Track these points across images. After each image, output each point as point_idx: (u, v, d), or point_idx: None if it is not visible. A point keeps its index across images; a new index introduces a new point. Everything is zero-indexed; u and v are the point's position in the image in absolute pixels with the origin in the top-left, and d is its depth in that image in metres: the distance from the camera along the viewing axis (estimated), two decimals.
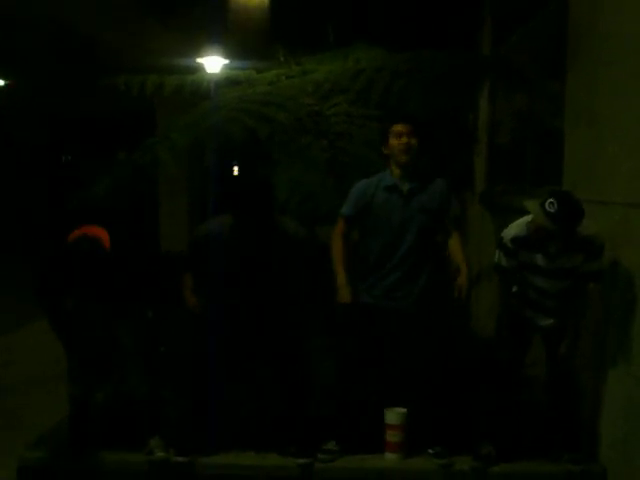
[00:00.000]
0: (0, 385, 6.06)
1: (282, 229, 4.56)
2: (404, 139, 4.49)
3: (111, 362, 4.68)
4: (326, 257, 4.59)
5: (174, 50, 9.07)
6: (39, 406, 5.48)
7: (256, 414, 4.92)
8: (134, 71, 5.85)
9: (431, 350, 4.53)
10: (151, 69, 6.00)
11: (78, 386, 4.57)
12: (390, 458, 4.55)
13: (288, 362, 4.59)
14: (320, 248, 4.70)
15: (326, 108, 5.36)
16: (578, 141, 5.08)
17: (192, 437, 4.57)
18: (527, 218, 4.34)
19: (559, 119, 5.54)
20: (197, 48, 9.14)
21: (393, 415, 4.53)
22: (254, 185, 4.53)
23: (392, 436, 4.54)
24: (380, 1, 8.13)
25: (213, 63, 9.29)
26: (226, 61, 9.25)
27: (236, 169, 8.31)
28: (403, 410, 4.54)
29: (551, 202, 4.12)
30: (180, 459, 4.50)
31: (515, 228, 4.42)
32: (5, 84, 14.19)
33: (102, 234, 4.51)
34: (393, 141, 4.52)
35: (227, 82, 5.97)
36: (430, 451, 4.55)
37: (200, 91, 5.82)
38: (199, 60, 9.31)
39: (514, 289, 4.53)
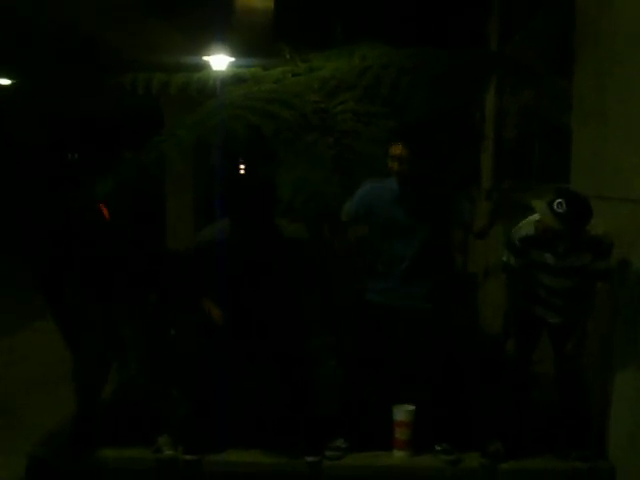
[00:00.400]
0: (1, 386, 6.06)
1: (282, 232, 4.57)
2: (396, 164, 4.47)
3: (116, 357, 4.70)
4: (328, 255, 4.59)
5: (180, 48, 9.07)
6: (40, 406, 5.48)
7: (264, 412, 4.92)
8: (140, 69, 5.84)
9: (439, 348, 4.52)
10: (157, 67, 5.99)
11: (84, 384, 4.57)
12: (398, 455, 4.55)
13: (294, 360, 4.59)
14: (323, 247, 4.70)
15: (332, 105, 5.34)
16: (585, 137, 5.06)
17: (200, 435, 4.57)
18: (535, 217, 4.33)
19: (566, 115, 5.52)
20: (203, 46, 9.13)
21: (401, 412, 4.53)
22: (253, 189, 4.53)
23: (400, 433, 4.54)
24: None
25: (219, 61, 9.28)
26: (232, 59, 9.24)
27: (242, 167, 8.31)
28: (411, 407, 4.53)
29: (559, 202, 4.11)
30: (189, 457, 4.50)
31: (524, 227, 4.41)
32: (11, 84, 14.22)
33: (101, 207, 4.57)
34: (390, 163, 4.51)
35: (233, 80, 5.95)
36: (438, 448, 4.55)
37: (206, 89, 5.80)
38: (205, 58, 9.31)
39: (522, 287, 4.52)
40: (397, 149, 4.46)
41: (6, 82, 14.48)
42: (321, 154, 5.24)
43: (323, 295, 5.77)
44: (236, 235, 4.52)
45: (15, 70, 13.15)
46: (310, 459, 4.49)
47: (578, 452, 4.49)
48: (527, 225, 4.41)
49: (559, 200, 4.11)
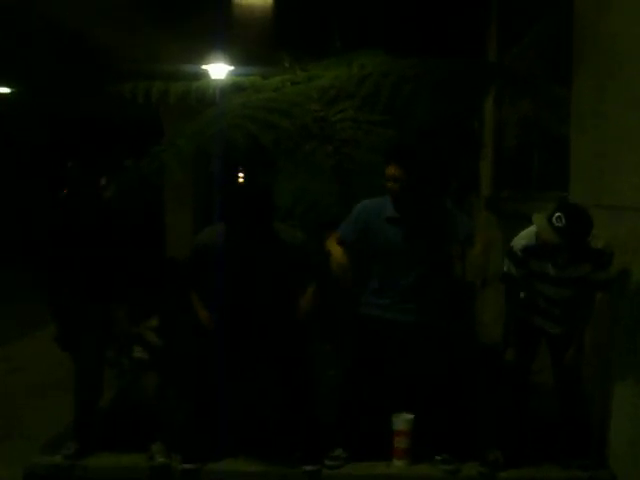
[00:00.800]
0: (2, 393, 6.05)
1: (279, 236, 4.57)
2: (391, 184, 4.46)
3: (115, 364, 4.70)
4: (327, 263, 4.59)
5: (179, 57, 9.08)
6: (39, 415, 5.47)
7: (263, 421, 4.91)
8: (139, 78, 5.85)
9: (438, 357, 4.51)
10: (156, 76, 6.00)
11: (85, 391, 4.57)
12: (397, 464, 4.54)
13: (293, 368, 4.59)
14: (322, 254, 4.69)
15: (332, 114, 5.35)
16: (584, 146, 5.07)
17: (198, 444, 4.56)
18: (535, 225, 4.33)
19: (565, 124, 5.53)
20: (202, 55, 9.15)
21: (400, 421, 4.52)
22: (249, 192, 4.54)
23: (399, 442, 4.53)
24: (386, 7, 8.13)
25: (218, 70, 9.30)
26: (231, 67, 9.26)
27: (241, 175, 8.32)
28: (410, 416, 4.52)
29: (559, 216, 4.11)
30: (187, 466, 4.49)
31: (525, 237, 4.41)
32: (11, 92, 14.24)
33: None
34: (386, 182, 4.50)
35: (232, 88, 5.97)
36: (437, 457, 4.54)
37: (205, 98, 5.81)
38: (204, 67, 9.32)
39: (522, 296, 4.52)
40: (392, 169, 4.44)
41: (6, 90, 14.51)
42: (320, 163, 5.24)
43: (322, 304, 5.77)
44: (231, 238, 4.53)
45: (16, 78, 13.18)
46: (309, 468, 4.48)
47: (578, 461, 4.48)
48: (528, 235, 4.41)
49: (558, 214, 4.11)
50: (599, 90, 4.81)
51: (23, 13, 9.15)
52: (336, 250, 4.55)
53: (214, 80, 7.32)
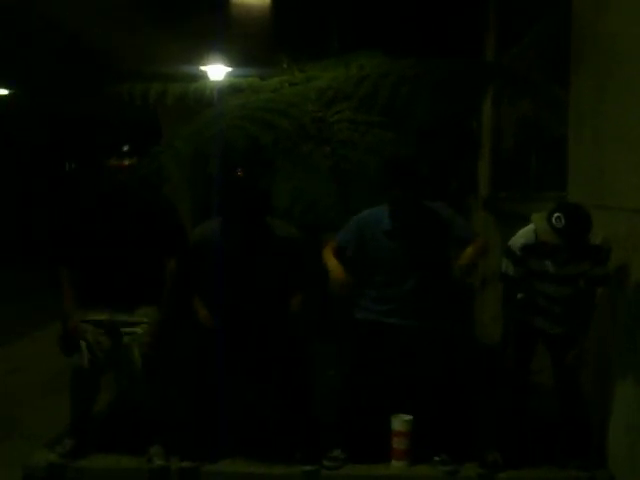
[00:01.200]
0: (2, 393, 6.05)
1: (275, 231, 4.58)
2: (400, 206, 4.46)
3: (112, 366, 4.69)
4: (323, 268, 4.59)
5: (177, 58, 9.07)
6: (41, 414, 5.47)
7: (261, 421, 4.91)
8: (137, 79, 5.85)
9: (437, 358, 4.51)
10: (154, 77, 6.00)
11: (78, 389, 4.57)
12: (396, 465, 4.53)
13: (291, 368, 4.58)
14: (317, 257, 4.69)
15: (329, 115, 5.36)
16: (582, 146, 5.07)
17: (197, 444, 4.55)
18: (534, 225, 4.33)
19: (563, 125, 5.53)
20: (200, 56, 9.15)
21: (399, 422, 4.52)
22: (242, 186, 4.55)
23: (398, 443, 4.52)
24: (384, 8, 8.13)
25: (216, 71, 9.30)
26: (229, 69, 9.25)
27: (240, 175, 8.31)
28: (409, 417, 4.52)
29: (558, 216, 4.10)
30: (185, 465, 4.49)
31: (523, 236, 4.40)
32: (9, 93, 14.24)
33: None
34: (390, 200, 4.50)
35: (230, 90, 5.97)
36: (436, 458, 4.53)
37: (203, 99, 5.81)
38: (202, 68, 9.32)
39: (519, 296, 4.52)
40: (397, 190, 4.42)
41: (5, 92, 14.52)
42: (318, 164, 5.24)
43: (320, 304, 5.77)
44: (227, 232, 4.54)
45: (15, 79, 13.18)
46: (307, 469, 4.47)
47: (577, 461, 4.47)
48: (526, 234, 4.41)
49: (558, 214, 4.11)
50: (598, 90, 4.81)
51: (22, 13, 9.16)
52: (333, 263, 4.52)
53: (212, 81, 7.32)
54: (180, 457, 4.52)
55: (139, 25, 9.07)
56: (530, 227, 4.39)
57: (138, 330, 4.56)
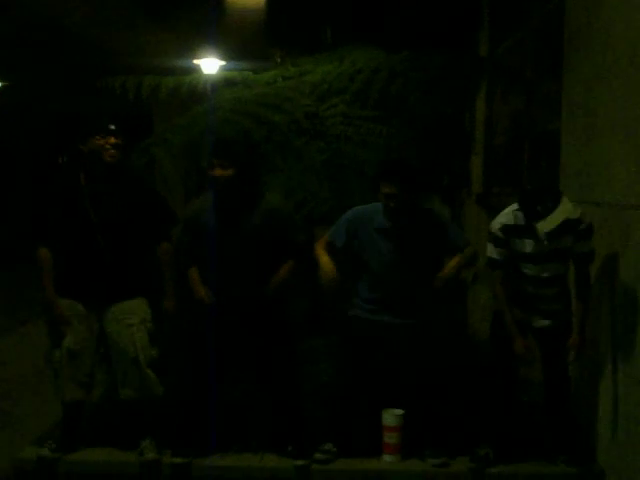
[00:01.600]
0: None
1: (271, 205, 4.54)
2: (391, 203, 4.41)
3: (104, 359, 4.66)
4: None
5: (171, 52, 9.07)
6: (31, 408, 5.46)
7: (252, 415, 4.92)
8: (131, 72, 5.84)
9: (428, 354, 4.52)
10: (148, 70, 5.99)
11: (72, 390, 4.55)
12: (387, 459, 4.54)
13: (282, 361, 4.58)
14: (308, 237, 4.67)
15: (323, 109, 5.36)
16: (575, 142, 5.08)
17: (189, 438, 4.56)
18: (513, 206, 4.36)
19: (556, 120, 5.54)
20: (194, 50, 9.14)
21: (390, 416, 4.53)
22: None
23: (389, 437, 4.53)
24: (378, 1, 8.12)
25: (210, 64, 9.29)
26: (223, 62, 9.25)
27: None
28: (400, 411, 4.53)
29: (545, 207, 4.17)
30: (177, 460, 4.49)
31: (503, 217, 4.42)
32: (1, 86, 14.20)
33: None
34: (382, 198, 4.46)
35: (224, 83, 5.96)
36: (427, 452, 4.54)
37: (197, 93, 5.81)
38: (196, 61, 9.31)
39: (508, 286, 4.53)
40: (387, 187, 4.40)
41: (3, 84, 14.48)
42: (312, 158, 5.24)
43: (313, 298, 5.77)
44: (218, 206, 4.51)
45: (4, 73, 13.15)
46: (299, 463, 4.48)
47: (567, 456, 4.49)
48: (505, 215, 4.42)
49: (542, 205, 4.17)
50: (590, 85, 4.81)
51: (12, 7, 9.11)
52: (324, 258, 4.53)
53: (205, 75, 7.31)
54: (172, 452, 4.52)
55: (133, 18, 9.05)
56: (509, 208, 4.41)
57: (135, 320, 4.49)
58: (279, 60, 6.00)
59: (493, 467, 4.47)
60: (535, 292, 4.43)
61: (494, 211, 5.57)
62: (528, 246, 4.35)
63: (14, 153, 16.41)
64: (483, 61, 7.13)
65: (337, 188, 5.07)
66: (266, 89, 5.57)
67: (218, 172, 4.41)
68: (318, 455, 4.51)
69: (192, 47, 9.09)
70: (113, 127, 4.41)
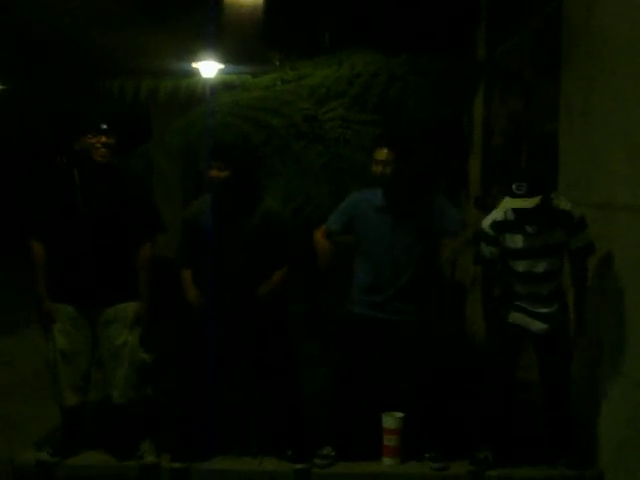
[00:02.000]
0: None
1: (268, 210, 4.54)
2: (380, 167, 4.43)
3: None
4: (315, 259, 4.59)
5: (169, 54, 9.07)
6: (30, 411, 5.45)
7: (252, 419, 4.92)
8: (129, 75, 5.84)
9: (427, 355, 4.52)
10: (146, 73, 5.99)
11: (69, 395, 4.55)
12: (387, 463, 4.54)
13: (282, 365, 4.58)
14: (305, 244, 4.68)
15: (322, 113, 5.36)
16: (573, 144, 5.08)
17: (188, 442, 4.55)
18: (503, 203, 4.35)
19: (554, 122, 5.54)
20: (193, 53, 9.14)
21: (390, 419, 4.53)
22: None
23: (389, 440, 4.54)
24: (376, 5, 8.13)
25: (208, 68, 9.29)
26: (221, 66, 9.25)
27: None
28: (400, 414, 4.53)
29: (519, 185, 4.17)
30: (176, 465, 4.49)
31: (493, 214, 4.45)
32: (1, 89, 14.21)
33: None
34: (374, 167, 4.48)
35: (222, 87, 5.97)
36: (427, 455, 4.55)
37: (195, 96, 5.81)
38: (194, 65, 9.31)
39: (496, 293, 4.53)
40: (381, 153, 4.43)
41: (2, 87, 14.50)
42: (310, 162, 5.25)
43: (312, 301, 5.77)
44: (217, 209, 4.52)
45: (5, 72, 13.15)
46: (298, 467, 4.48)
47: (566, 459, 4.49)
48: (495, 212, 4.45)
49: (517, 183, 4.17)
50: (588, 87, 4.81)
51: (11, 8, 9.11)
52: (321, 245, 4.59)
53: (204, 78, 7.32)
54: (171, 456, 4.52)
55: (131, 21, 9.05)
56: (499, 208, 4.43)
57: (127, 335, 4.47)
58: (278, 64, 6.00)
59: (492, 470, 4.47)
60: (529, 292, 4.42)
61: None
62: (519, 241, 4.36)
63: (14, 153, 16.42)
64: (481, 63, 7.14)
65: (336, 191, 5.07)
66: (265, 93, 5.58)
67: (214, 173, 4.43)
68: (318, 460, 4.52)
69: (191, 50, 9.09)
70: (105, 126, 4.38)
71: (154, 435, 4.59)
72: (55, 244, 4.46)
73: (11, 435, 5.07)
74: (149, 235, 4.57)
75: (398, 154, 4.42)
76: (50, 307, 4.45)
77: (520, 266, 4.40)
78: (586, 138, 4.83)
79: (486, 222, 4.46)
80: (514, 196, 4.18)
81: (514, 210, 4.27)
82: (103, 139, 4.38)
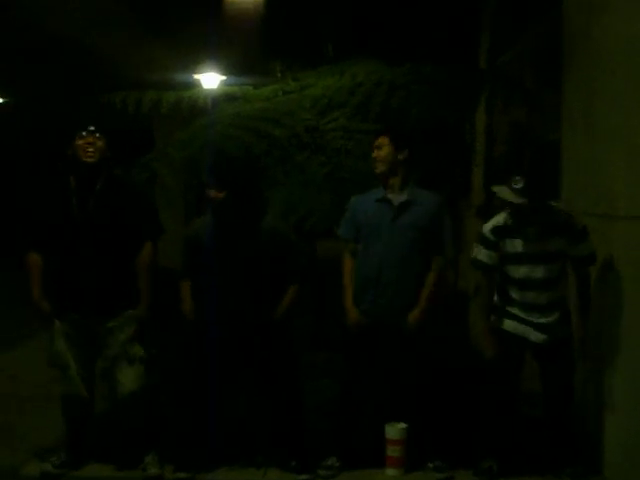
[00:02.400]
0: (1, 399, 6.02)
1: (271, 228, 4.56)
2: (376, 152, 4.52)
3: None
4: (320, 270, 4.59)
5: (171, 67, 9.10)
6: (36, 423, 5.45)
7: (256, 430, 4.91)
8: (131, 86, 5.86)
9: (430, 365, 4.51)
10: (148, 85, 6.02)
11: (70, 399, 4.55)
12: (391, 473, 4.53)
13: (286, 376, 4.58)
14: (315, 260, 4.69)
15: (324, 123, 5.37)
16: (575, 152, 5.08)
17: (193, 453, 4.55)
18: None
19: (556, 130, 5.54)
20: (194, 64, 9.17)
21: (394, 430, 4.52)
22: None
23: (393, 451, 4.52)
24: (378, 15, 8.16)
25: (210, 79, 9.32)
26: (223, 77, 9.28)
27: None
28: (404, 425, 4.52)
29: (517, 179, 4.22)
30: (181, 475, 4.48)
31: (494, 219, 4.47)
32: (4, 102, 14.25)
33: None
34: (373, 154, 4.56)
35: (224, 98, 5.99)
36: (430, 465, 4.53)
37: (197, 107, 5.83)
38: (196, 76, 9.34)
39: (495, 301, 4.53)
40: (380, 139, 4.52)
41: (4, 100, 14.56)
42: (313, 173, 5.25)
43: (317, 313, 5.76)
44: (218, 227, 4.55)
45: (7, 86, 13.21)
46: (302, 477, 4.47)
47: (572, 468, 4.47)
48: (496, 217, 4.47)
49: (517, 177, 4.23)
50: (589, 97, 4.82)
51: (16, 19, 9.15)
52: (348, 265, 4.61)
53: (206, 89, 7.34)
54: (175, 467, 4.51)
55: (133, 33, 9.08)
56: (501, 213, 4.45)
57: (128, 346, 4.46)
58: (279, 74, 6.01)
59: None
60: (526, 300, 4.41)
61: None
62: (518, 246, 4.37)
63: (16, 162, 16.47)
64: (483, 72, 7.15)
65: (339, 202, 5.07)
66: (266, 104, 5.59)
67: (213, 194, 4.50)
68: (322, 471, 4.51)
69: (193, 61, 9.13)
70: (91, 128, 4.41)
71: (158, 447, 4.58)
72: (54, 252, 4.47)
73: (16, 446, 5.07)
74: (149, 235, 4.57)
75: (391, 138, 4.49)
76: (48, 307, 4.47)
77: (518, 272, 4.40)
78: (589, 145, 4.83)
79: (487, 227, 4.47)
80: (512, 190, 4.22)
81: (512, 213, 4.31)
82: (90, 139, 4.41)
